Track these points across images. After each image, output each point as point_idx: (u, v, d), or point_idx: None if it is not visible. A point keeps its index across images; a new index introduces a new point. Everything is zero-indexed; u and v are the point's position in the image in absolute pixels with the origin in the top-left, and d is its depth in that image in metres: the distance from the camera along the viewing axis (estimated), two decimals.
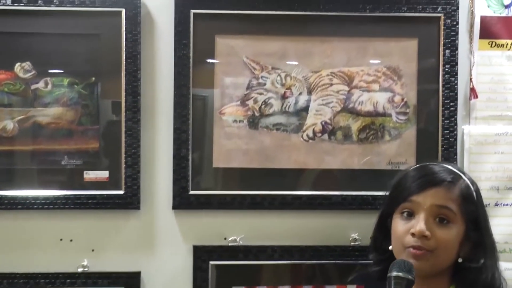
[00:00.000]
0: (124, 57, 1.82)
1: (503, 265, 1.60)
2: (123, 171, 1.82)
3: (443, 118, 1.88)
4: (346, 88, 1.89)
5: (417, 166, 1.56)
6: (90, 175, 1.84)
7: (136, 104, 1.83)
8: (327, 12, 1.86)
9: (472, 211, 1.45)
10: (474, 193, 1.48)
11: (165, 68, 1.85)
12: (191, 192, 1.85)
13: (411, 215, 1.45)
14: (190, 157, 1.84)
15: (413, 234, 1.41)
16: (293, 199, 1.86)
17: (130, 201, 1.83)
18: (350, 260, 1.86)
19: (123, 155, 1.83)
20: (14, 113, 1.82)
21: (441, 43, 1.88)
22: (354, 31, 1.88)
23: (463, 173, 1.51)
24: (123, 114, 1.82)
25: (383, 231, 1.55)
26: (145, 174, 1.85)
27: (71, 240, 1.86)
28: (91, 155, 1.84)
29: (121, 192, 1.83)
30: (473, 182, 1.51)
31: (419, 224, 1.41)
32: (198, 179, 1.87)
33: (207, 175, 1.87)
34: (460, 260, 1.44)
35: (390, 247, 1.50)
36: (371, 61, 1.89)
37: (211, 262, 1.84)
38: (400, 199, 1.46)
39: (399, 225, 1.46)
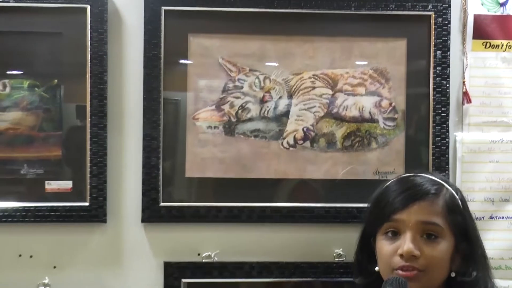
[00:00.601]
0: (89, 58, 1.78)
1: (498, 282, 1.57)
2: (88, 181, 1.79)
3: (434, 125, 1.85)
4: (330, 92, 1.86)
5: (397, 178, 1.53)
6: (52, 185, 1.80)
7: (102, 109, 1.79)
8: (310, 10, 1.83)
9: (460, 222, 1.43)
10: (460, 202, 1.47)
11: (133, 70, 1.82)
12: (162, 204, 1.81)
13: (396, 234, 1.43)
14: (161, 166, 1.81)
15: (401, 255, 1.39)
16: (273, 212, 1.83)
17: (96, 213, 1.80)
18: (334, 277, 1.82)
19: (88, 164, 1.79)
20: None
21: (432, 43, 1.85)
22: (338, 30, 1.86)
23: (446, 182, 1.50)
24: (88, 119, 1.79)
25: (366, 252, 1.52)
26: (112, 184, 1.82)
27: (31, 256, 1.82)
28: (53, 163, 1.80)
29: (86, 204, 1.79)
30: (457, 190, 1.50)
31: (406, 244, 1.39)
32: (170, 189, 1.83)
33: (179, 185, 1.84)
34: (453, 274, 1.43)
35: (377, 268, 1.47)
36: (357, 63, 1.86)
37: (184, 280, 1.81)
38: (382, 218, 1.44)
39: (384, 246, 1.44)
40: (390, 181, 1.52)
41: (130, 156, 1.83)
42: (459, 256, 1.43)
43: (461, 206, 1.46)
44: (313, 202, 1.84)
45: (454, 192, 1.47)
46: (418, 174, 1.52)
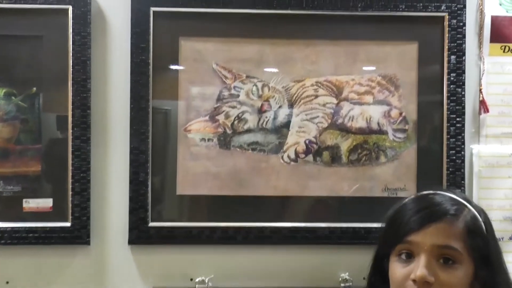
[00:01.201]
0: (71, 63, 1.77)
1: None
2: (69, 199, 1.77)
3: (448, 136, 1.83)
4: (334, 101, 1.84)
5: (415, 196, 1.49)
6: (30, 204, 1.78)
7: (85, 119, 1.77)
8: (312, 11, 1.81)
9: (481, 246, 1.38)
10: (483, 225, 1.42)
11: (119, 77, 1.81)
12: (151, 224, 1.79)
13: (410, 256, 1.38)
14: (149, 183, 1.79)
15: (414, 281, 1.35)
16: (272, 232, 1.81)
17: (78, 234, 1.78)
18: None
19: (69, 180, 1.77)
20: None
21: (446, 47, 1.83)
22: (343, 33, 1.84)
23: (469, 202, 1.45)
24: (70, 131, 1.77)
25: (379, 273, 1.47)
26: (96, 202, 1.80)
27: (7, 282, 1.80)
28: (31, 180, 1.78)
29: (68, 224, 1.77)
30: (480, 211, 1.44)
31: (420, 268, 1.34)
32: (159, 208, 1.81)
33: (169, 203, 1.82)
34: None
35: None
36: (364, 69, 1.85)
37: None
38: (396, 239, 1.40)
39: (397, 269, 1.39)
40: (407, 199, 1.48)
41: (116, 172, 1.81)
42: (478, 284, 1.38)
43: (483, 229, 1.41)
44: (316, 222, 1.82)
45: (476, 214, 1.42)
46: (438, 192, 1.47)
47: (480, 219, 1.41)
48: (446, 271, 1.34)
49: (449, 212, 1.38)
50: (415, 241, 1.36)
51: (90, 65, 1.76)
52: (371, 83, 1.83)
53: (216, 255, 1.81)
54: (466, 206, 1.41)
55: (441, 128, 1.83)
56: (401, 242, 1.38)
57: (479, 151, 1.85)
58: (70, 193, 1.76)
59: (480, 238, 1.39)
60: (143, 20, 1.77)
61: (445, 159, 1.82)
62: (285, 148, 1.82)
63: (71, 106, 1.75)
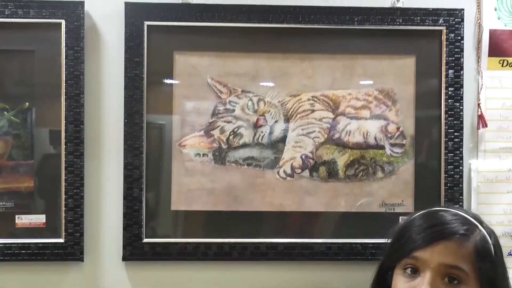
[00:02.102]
0: (64, 78, 1.76)
1: None
2: (63, 215, 1.77)
3: (446, 151, 1.83)
4: (331, 115, 1.84)
5: (424, 212, 1.49)
6: (23, 220, 1.77)
7: (78, 135, 1.77)
8: (308, 25, 1.81)
9: (488, 269, 1.38)
10: (492, 247, 1.41)
11: (113, 91, 1.81)
12: (145, 240, 1.79)
13: (415, 271, 1.39)
14: (143, 198, 1.79)
15: None
16: (268, 249, 1.81)
17: (72, 251, 1.77)
18: None
19: (63, 196, 1.77)
20: None
21: (443, 61, 1.83)
22: (340, 47, 1.84)
23: (480, 222, 1.44)
24: (63, 146, 1.77)
25: (382, 286, 1.48)
26: (90, 218, 1.80)
27: None
28: (24, 196, 1.77)
29: (61, 240, 1.77)
30: (491, 233, 1.44)
31: (424, 285, 1.35)
32: (154, 224, 1.81)
33: (164, 219, 1.82)
34: None
35: None
36: (361, 83, 1.84)
37: None
38: (402, 253, 1.40)
39: (400, 283, 1.40)
40: (416, 214, 1.48)
41: (110, 187, 1.81)
42: None
43: (492, 252, 1.40)
44: (312, 238, 1.82)
45: (487, 235, 1.42)
46: (449, 209, 1.48)
47: (490, 241, 1.41)
48: None
49: (459, 231, 1.38)
50: (422, 257, 1.36)
51: (83, 80, 1.76)
52: (368, 98, 1.83)
53: (211, 271, 1.80)
54: (476, 226, 1.41)
55: (439, 143, 1.83)
56: (407, 257, 1.38)
57: (478, 166, 1.85)
58: (63, 209, 1.76)
59: (488, 260, 1.38)
60: (137, 34, 1.77)
61: (443, 174, 1.82)
62: (281, 163, 1.81)
63: (64, 121, 1.75)
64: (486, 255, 1.38)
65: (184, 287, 1.81)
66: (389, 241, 1.49)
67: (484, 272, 1.37)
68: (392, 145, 1.83)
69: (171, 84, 1.81)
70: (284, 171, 1.82)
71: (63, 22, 1.75)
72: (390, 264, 1.44)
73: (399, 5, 1.80)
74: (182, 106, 1.80)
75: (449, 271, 1.35)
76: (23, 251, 1.75)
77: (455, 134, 1.83)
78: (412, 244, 1.39)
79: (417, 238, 1.39)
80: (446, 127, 1.82)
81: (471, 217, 1.44)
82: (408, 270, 1.39)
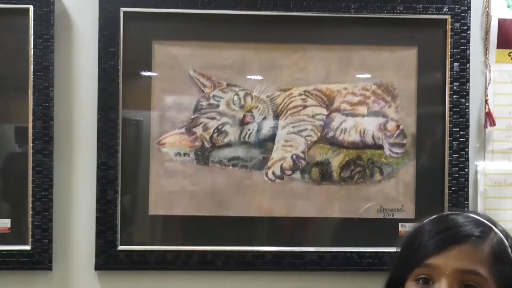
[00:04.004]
0: (31, 70, 1.76)
1: None
2: (29, 219, 1.77)
3: (451, 152, 1.83)
4: (325, 112, 1.84)
5: (435, 216, 1.47)
6: None
7: (47, 131, 1.77)
8: (300, 13, 1.82)
9: (507, 273, 1.35)
10: (510, 250, 1.39)
11: (86, 84, 1.81)
12: (120, 247, 1.79)
13: (428, 281, 1.36)
14: (118, 202, 1.79)
15: None
16: (254, 257, 1.81)
17: (39, 259, 1.77)
18: None
19: (29, 199, 1.76)
20: None
21: (448, 53, 1.84)
22: (335, 37, 1.85)
23: (495, 224, 1.43)
24: (30, 144, 1.76)
25: None
26: (59, 223, 1.80)
27: None
28: None
29: (27, 247, 1.77)
30: (507, 236, 1.41)
31: None
32: (130, 230, 1.82)
33: (141, 225, 1.83)
34: None
35: None
36: (357, 77, 1.85)
37: None
38: (414, 262, 1.37)
39: None
40: (426, 220, 1.46)
41: (82, 190, 1.81)
42: None
43: (510, 254, 1.38)
44: (304, 246, 1.82)
45: (503, 237, 1.40)
46: (460, 212, 1.47)
47: (507, 244, 1.39)
48: None
49: (474, 234, 1.36)
50: (436, 264, 1.34)
51: (53, 71, 1.76)
52: (365, 93, 1.83)
53: (193, 282, 1.81)
54: (492, 228, 1.40)
55: (442, 143, 1.83)
56: (419, 266, 1.36)
57: (485, 168, 1.85)
58: (30, 213, 1.75)
59: (507, 264, 1.37)
60: (112, 22, 1.77)
61: (447, 177, 1.82)
62: (269, 164, 1.82)
63: (31, 117, 1.75)
64: (504, 258, 1.36)
65: None
66: (398, 250, 1.46)
67: (503, 276, 1.35)
68: (392, 144, 1.84)
69: (149, 77, 1.81)
70: (273, 173, 1.82)
71: (31, 7, 1.75)
72: (401, 276, 1.41)
73: None
74: (162, 101, 1.81)
75: (466, 277, 1.32)
76: None
77: (461, 133, 1.83)
78: (423, 251, 1.37)
79: (429, 244, 1.37)
80: (451, 125, 1.83)
81: (484, 219, 1.43)
82: (421, 281, 1.36)
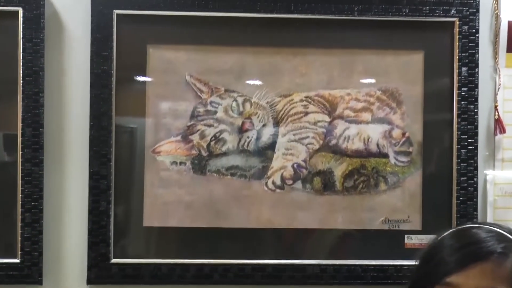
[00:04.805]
0: (21, 74, 1.76)
1: None
2: (19, 231, 1.76)
3: (459, 160, 1.82)
4: (327, 119, 1.84)
5: (455, 230, 1.46)
6: None
7: (37, 139, 1.76)
8: (301, 15, 1.81)
9: None
10: None
11: (78, 90, 1.80)
12: (114, 260, 1.78)
13: None
14: (112, 213, 1.78)
15: None
16: (254, 270, 1.80)
17: (29, 272, 1.76)
18: None
19: (19, 210, 1.76)
20: None
21: (456, 57, 1.83)
22: (337, 40, 1.84)
23: None
24: (20, 152, 1.76)
25: None
26: (50, 235, 1.79)
27: None
28: None
29: (16, 260, 1.76)
30: None
31: None
32: (124, 242, 1.81)
33: (135, 237, 1.82)
34: None
35: None
36: (361, 82, 1.84)
37: None
38: (433, 279, 1.36)
39: None
40: (445, 234, 1.44)
41: (73, 200, 1.80)
42: None
43: None
44: (305, 259, 1.81)
45: None
46: (481, 225, 1.45)
47: None
48: None
49: (496, 250, 1.34)
50: (456, 283, 1.32)
51: (43, 76, 1.75)
52: (369, 99, 1.83)
53: None
54: None
55: (450, 151, 1.83)
56: (439, 284, 1.34)
57: (494, 177, 1.85)
58: (19, 224, 1.74)
59: None
60: (105, 25, 1.76)
61: (455, 187, 1.82)
62: (269, 173, 1.81)
63: (20, 124, 1.75)
64: None
65: None
66: (415, 266, 1.46)
67: None
68: (397, 153, 1.83)
69: (144, 82, 1.81)
70: (273, 182, 1.82)
71: (20, 9, 1.74)
72: None
73: None
74: (157, 107, 1.81)
75: None
76: None
77: (469, 140, 1.83)
78: (443, 267, 1.35)
79: (450, 260, 1.35)
80: (459, 133, 1.82)
81: (507, 232, 1.41)
82: None
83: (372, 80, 1.83)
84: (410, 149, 1.83)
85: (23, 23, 1.74)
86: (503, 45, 1.85)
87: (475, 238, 1.39)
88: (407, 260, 1.71)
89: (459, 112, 1.82)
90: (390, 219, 1.82)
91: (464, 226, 1.48)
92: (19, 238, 1.74)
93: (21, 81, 1.74)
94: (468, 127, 1.82)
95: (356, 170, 1.83)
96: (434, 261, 1.39)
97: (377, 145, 1.83)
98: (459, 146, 1.82)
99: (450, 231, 1.45)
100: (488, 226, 1.44)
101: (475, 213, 1.82)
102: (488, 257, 1.34)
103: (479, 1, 1.82)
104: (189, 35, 1.80)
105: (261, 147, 1.82)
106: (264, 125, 1.82)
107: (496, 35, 1.85)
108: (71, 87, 1.80)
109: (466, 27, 1.82)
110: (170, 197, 1.80)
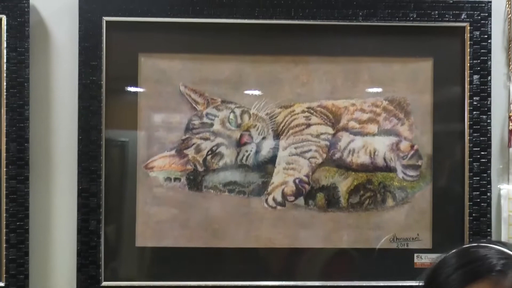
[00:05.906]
0: (4, 86, 1.75)
1: None
2: (3, 253, 1.74)
3: (471, 174, 1.81)
4: (331, 131, 1.83)
5: (457, 249, 1.44)
6: None
7: (22, 155, 1.75)
8: (302, 21, 1.80)
9: None
10: None
11: (65, 102, 1.79)
12: (104, 283, 1.77)
13: None
14: (102, 232, 1.77)
15: None
16: None
17: None
18: None
19: (3, 230, 1.74)
20: None
21: (467, 65, 1.82)
22: (341, 47, 1.84)
23: None
24: (4, 169, 1.75)
25: None
26: (36, 257, 1.77)
27: None
28: None
29: (1, 283, 1.74)
30: None
31: None
32: (115, 264, 1.79)
33: (127, 258, 1.81)
34: None
35: None
36: (367, 91, 1.84)
37: None
38: None
39: None
40: (448, 253, 1.44)
41: (61, 219, 1.79)
42: None
43: None
44: (308, 280, 1.80)
45: None
46: (484, 243, 1.43)
47: None
48: None
49: (494, 268, 1.33)
50: None
51: (29, 88, 1.74)
52: (375, 109, 1.83)
53: None
54: None
55: (462, 164, 1.82)
56: None
57: (509, 192, 1.83)
58: (4, 245, 1.73)
59: None
60: (94, 33, 1.76)
61: (467, 202, 1.81)
62: (270, 189, 1.80)
63: (5, 139, 1.73)
64: None
65: None
66: (421, 284, 1.44)
67: None
68: (405, 166, 1.82)
69: (135, 93, 1.80)
70: (274, 199, 1.80)
71: (3, 17, 1.73)
72: None
73: None
74: (149, 119, 1.80)
75: None
76: None
77: (482, 153, 1.82)
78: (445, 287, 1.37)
79: (448, 281, 1.35)
80: (471, 145, 1.81)
81: (509, 250, 1.39)
82: None
83: (378, 90, 1.83)
84: (419, 163, 1.82)
85: (6, 32, 1.73)
86: None
87: (474, 256, 1.38)
88: (418, 281, 1.69)
89: (471, 123, 1.80)
90: (399, 237, 1.81)
91: (468, 245, 1.47)
92: (4, 260, 1.73)
93: (5, 93, 1.73)
94: (481, 138, 1.81)
95: (362, 185, 1.82)
96: (435, 282, 1.39)
97: (384, 158, 1.82)
98: (471, 159, 1.81)
99: (453, 250, 1.45)
100: (490, 244, 1.42)
101: (488, 230, 1.80)
102: (485, 275, 1.33)
103: (491, 5, 1.81)
104: (183, 43, 1.79)
105: (261, 162, 1.80)
106: (263, 138, 1.80)
107: (510, 40, 1.85)
108: (58, 99, 1.79)
109: (477, 33, 1.81)
110: (164, 215, 1.79)
